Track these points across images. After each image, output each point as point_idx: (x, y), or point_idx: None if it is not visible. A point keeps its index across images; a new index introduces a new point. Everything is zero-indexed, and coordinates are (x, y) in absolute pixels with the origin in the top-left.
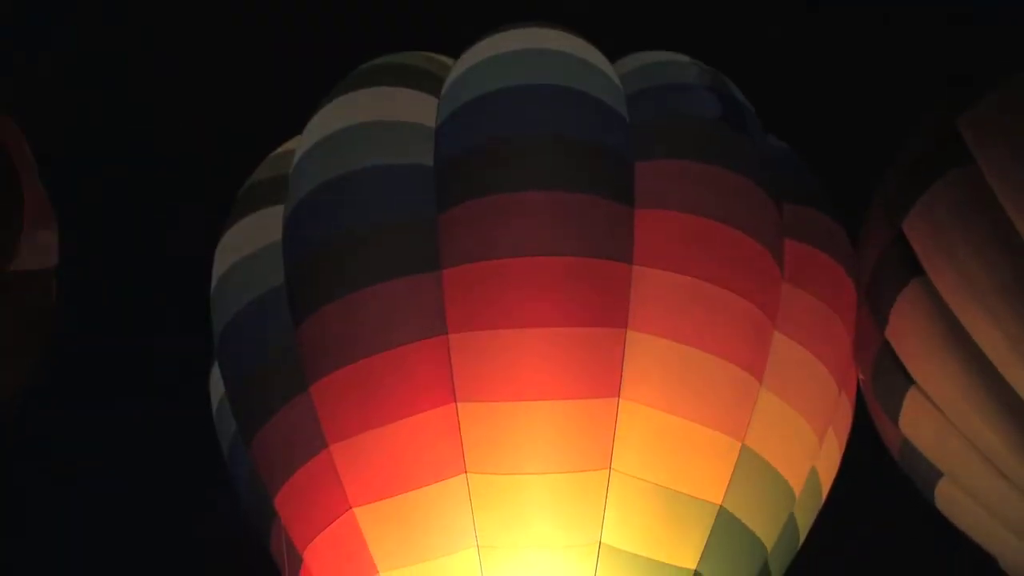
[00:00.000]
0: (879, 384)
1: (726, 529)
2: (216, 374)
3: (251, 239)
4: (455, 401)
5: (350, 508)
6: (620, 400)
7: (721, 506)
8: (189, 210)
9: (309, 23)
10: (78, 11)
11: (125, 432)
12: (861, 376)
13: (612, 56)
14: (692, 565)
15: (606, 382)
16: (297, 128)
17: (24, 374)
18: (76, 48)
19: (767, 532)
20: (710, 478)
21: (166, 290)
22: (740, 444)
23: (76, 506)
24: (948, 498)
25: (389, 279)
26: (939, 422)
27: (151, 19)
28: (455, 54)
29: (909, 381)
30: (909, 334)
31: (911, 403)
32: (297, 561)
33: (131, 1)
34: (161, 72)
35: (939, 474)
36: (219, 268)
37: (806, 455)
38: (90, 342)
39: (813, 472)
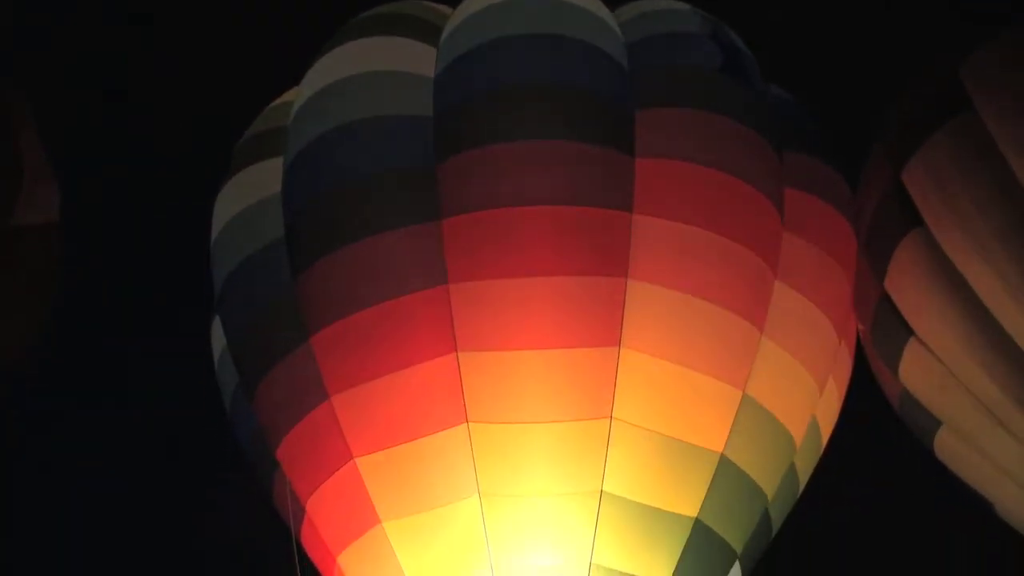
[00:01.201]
0: (878, 335)
1: (727, 477)
2: (217, 326)
3: (251, 191)
4: (456, 351)
5: (352, 459)
6: (621, 349)
7: (722, 454)
8: (188, 208)
9: None
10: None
11: (125, 432)
12: (860, 326)
13: (611, 4)
14: (693, 513)
15: (607, 331)
16: (294, 79)
17: (30, 333)
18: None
19: (768, 480)
20: (711, 427)
21: (166, 290)
22: (741, 393)
23: (76, 506)
24: (947, 447)
25: (388, 229)
26: (938, 373)
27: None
28: (454, 3)
29: (908, 332)
30: (908, 286)
31: (910, 354)
32: (300, 512)
33: None
34: (161, 72)
35: (938, 423)
36: (219, 220)
37: (807, 404)
38: (90, 342)
39: (813, 421)
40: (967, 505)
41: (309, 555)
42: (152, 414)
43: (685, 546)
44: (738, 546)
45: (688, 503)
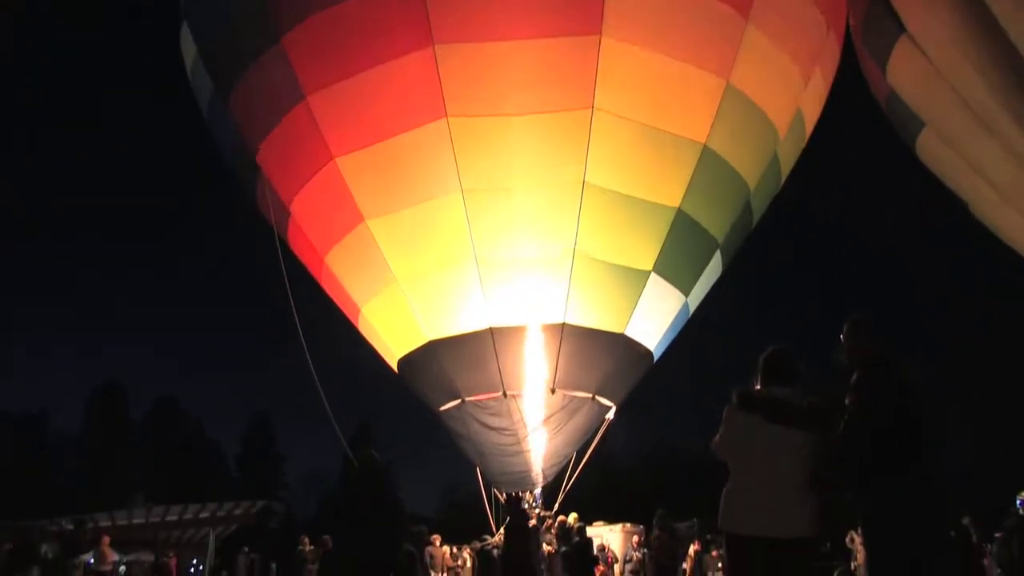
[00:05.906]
0: (870, 30)
1: (710, 167)
2: (186, 32)
3: None
4: (432, 44)
5: (332, 158)
6: (602, 38)
7: (705, 145)
8: None
9: None
10: None
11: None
12: (852, 20)
13: None
14: (675, 203)
15: (587, 19)
16: None
17: None
18: None
19: (750, 171)
20: (694, 117)
21: None
22: (725, 82)
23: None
24: (928, 147)
25: None
26: (927, 72)
27: None
28: None
29: (900, 29)
30: None
31: (900, 52)
32: (284, 214)
33: None
34: None
35: (922, 124)
36: None
37: (791, 95)
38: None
39: (798, 112)
40: (943, 203)
41: (297, 256)
42: (127, 125)
43: (667, 236)
44: (719, 236)
45: (670, 193)
